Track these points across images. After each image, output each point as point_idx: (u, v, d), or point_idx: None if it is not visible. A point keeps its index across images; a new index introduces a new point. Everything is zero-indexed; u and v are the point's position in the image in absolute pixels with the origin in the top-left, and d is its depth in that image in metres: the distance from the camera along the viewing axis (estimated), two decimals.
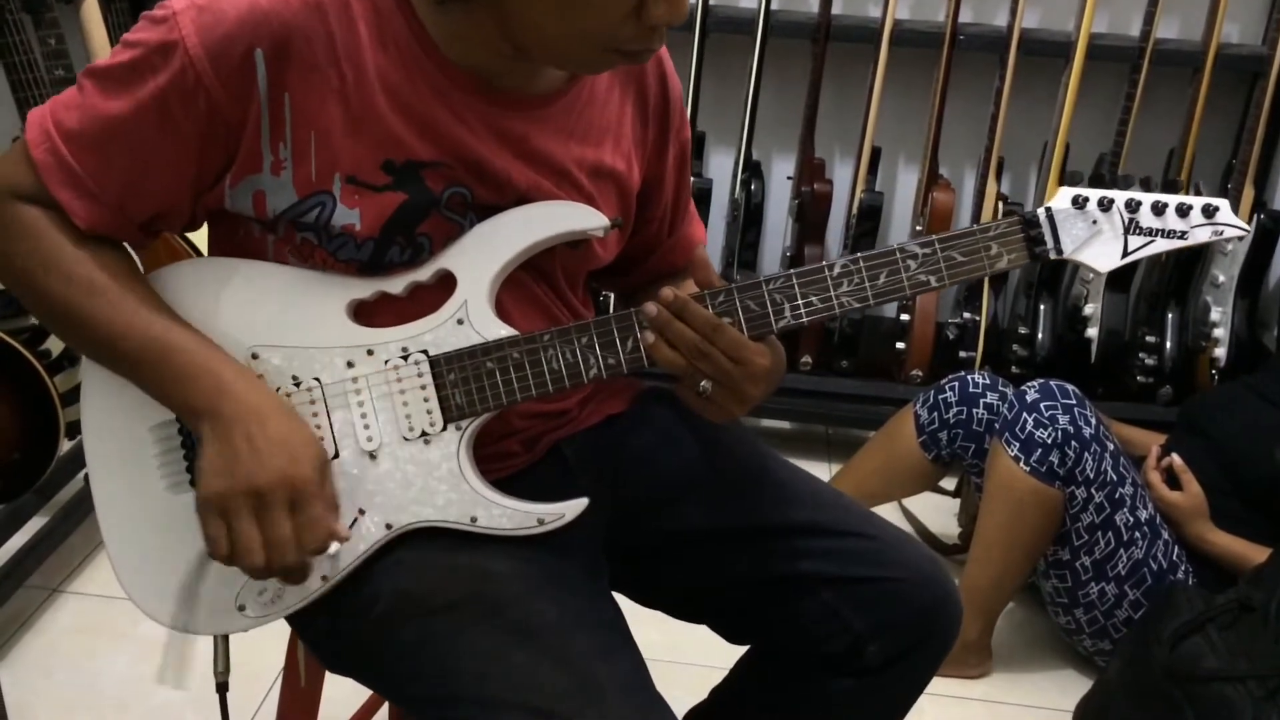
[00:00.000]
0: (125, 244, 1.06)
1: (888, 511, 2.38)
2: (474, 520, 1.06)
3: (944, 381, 2.19)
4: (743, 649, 1.30)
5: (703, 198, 2.60)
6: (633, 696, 1.00)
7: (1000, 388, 2.14)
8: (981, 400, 2.13)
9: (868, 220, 2.56)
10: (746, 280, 1.05)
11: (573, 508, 1.07)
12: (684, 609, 1.25)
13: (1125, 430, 2.26)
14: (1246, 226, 1.06)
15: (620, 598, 1.21)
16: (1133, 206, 1.06)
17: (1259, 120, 2.45)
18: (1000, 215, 2.51)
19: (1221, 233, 1.06)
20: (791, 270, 1.05)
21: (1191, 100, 2.48)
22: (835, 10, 2.52)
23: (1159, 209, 1.06)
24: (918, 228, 2.59)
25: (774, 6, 2.52)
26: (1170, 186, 2.54)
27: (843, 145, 2.70)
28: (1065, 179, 2.55)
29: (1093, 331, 2.54)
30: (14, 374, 1.91)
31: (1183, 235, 1.06)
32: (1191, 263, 2.53)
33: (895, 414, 2.27)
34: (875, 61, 2.49)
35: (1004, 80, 2.47)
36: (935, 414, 2.17)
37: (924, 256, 1.05)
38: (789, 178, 2.67)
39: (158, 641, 1.94)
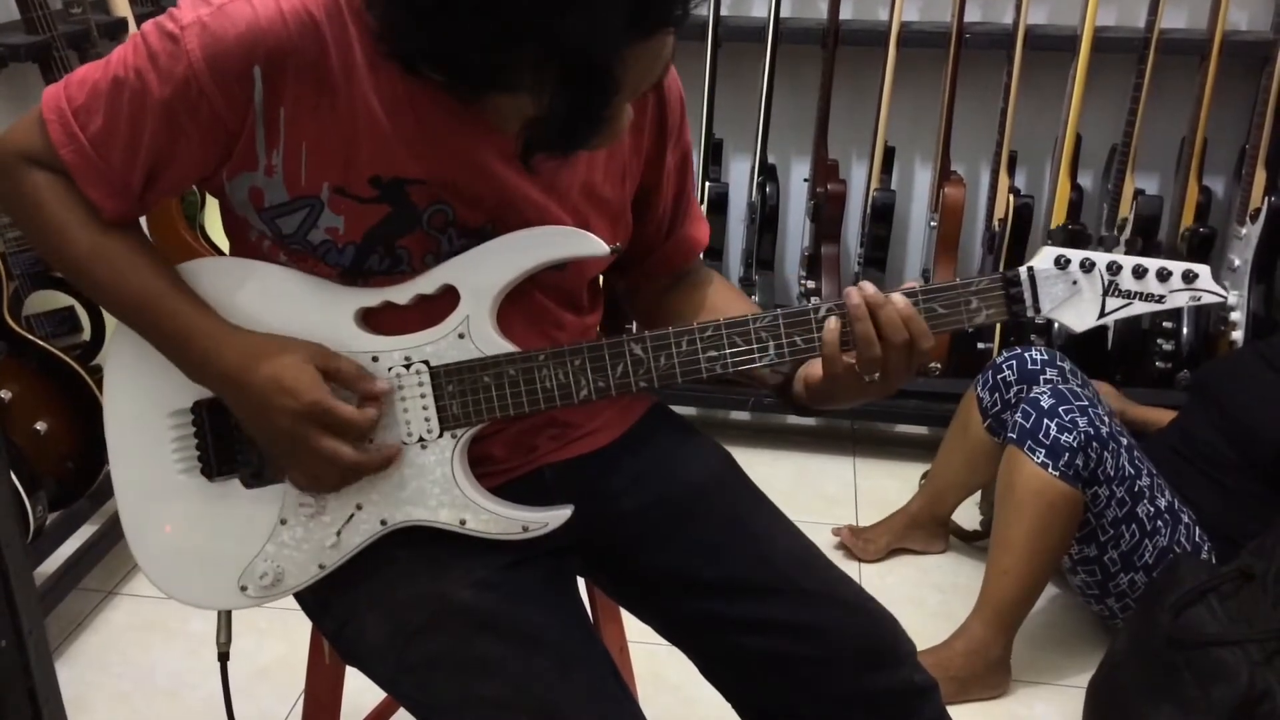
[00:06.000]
0: None
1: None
2: (463, 523, 1.12)
3: (1000, 360, 2.19)
4: None
5: (720, 202, 2.68)
6: (591, 705, 1.08)
7: (1059, 363, 2.14)
8: (1041, 377, 2.13)
9: (881, 218, 2.62)
10: (733, 319, 1.09)
11: (556, 516, 1.12)
12: (662, 632, 1.29)
13: (1139, 410, 2.29)
14: (1224, 293, 1.07)
15: None
16: (1114, 269, 1.08)
17: (1268, 105, 2.48)
18: (1012, 209, 2.56)
19: (1199, 299, 1.07)
20: (779, 310, 1.10)
21: (1199, 88, 2.51)
22: (844, 15, 2.58)
23: (1139, 272, 1.07)
24: (931, 224, 2.64)
25: (784, 14, 2.59)
26: (1181, 178, 2.57)
27: (857, 146, 2.76)
28: (1074, 185, 2.59)
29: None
30: (68, 389, 2.03)
31: (1160, 299, 1.08)
32: (1206, 248, 2.55)
33: (962, 401, 2.28)
34: (884, 63, 2.55)
35: (1011, 76, 2.52)
36: (996, 395, 2.18)
37: None
38: (805, 180, 2.74)
39: (206, 636, 2.06)
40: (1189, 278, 1.07)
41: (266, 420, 1.07)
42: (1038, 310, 1.09)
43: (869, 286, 1.07)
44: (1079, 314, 1.09)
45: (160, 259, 1.12)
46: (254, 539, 1.15)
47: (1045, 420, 1.92)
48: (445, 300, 1.11)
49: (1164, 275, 1.07)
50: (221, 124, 1.04)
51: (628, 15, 0.89)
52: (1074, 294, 1.09)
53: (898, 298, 1.07)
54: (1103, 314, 1.09)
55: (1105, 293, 1.08)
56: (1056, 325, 2.56)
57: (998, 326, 2.59)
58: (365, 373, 1.10)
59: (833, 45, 2.57)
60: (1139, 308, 1.08)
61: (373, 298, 1.12)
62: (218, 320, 1.10)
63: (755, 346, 1.10)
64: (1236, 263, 2.55)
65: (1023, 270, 1.09)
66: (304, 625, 1.28)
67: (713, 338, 1.09)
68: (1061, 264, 1.08)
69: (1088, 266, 1.08)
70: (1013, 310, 1.08)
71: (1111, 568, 1.96)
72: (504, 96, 0.98)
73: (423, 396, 1.11)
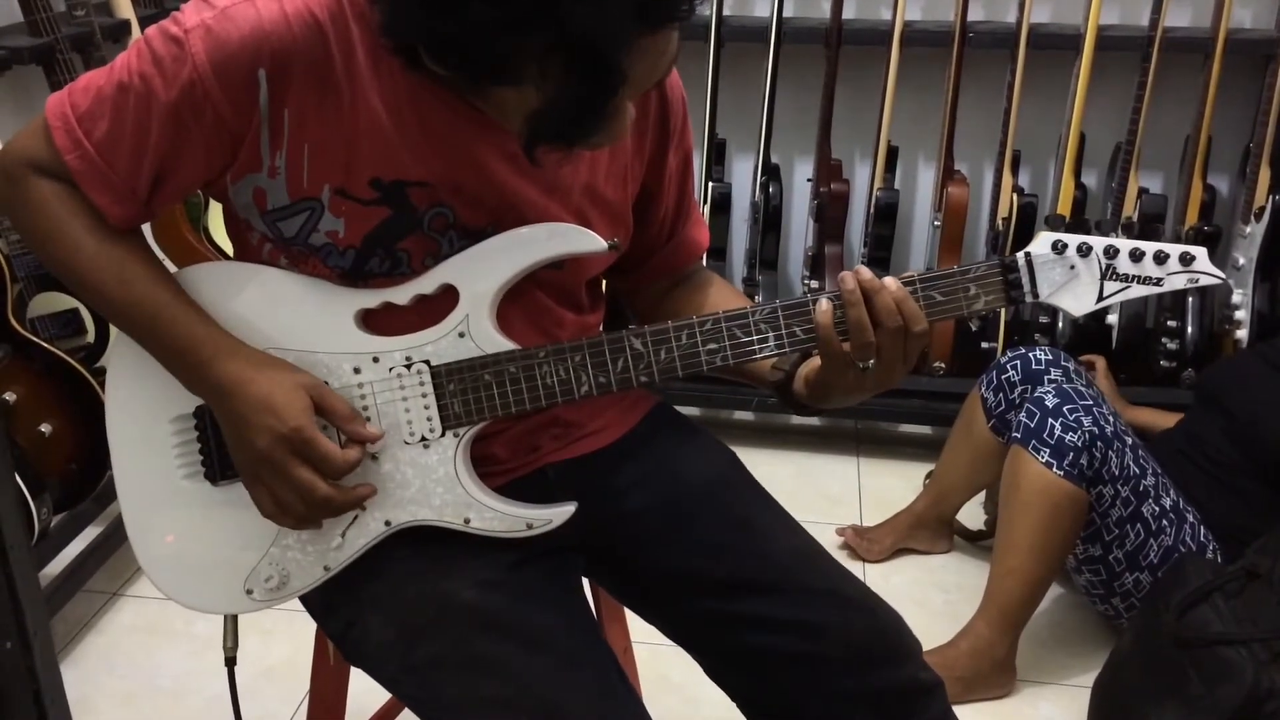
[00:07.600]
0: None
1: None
2: (467, 521, 1.12)
3: (1005, 360, 2.19)
4: None
5: (723, 201, 2.68)
6: (594, 705, 1.08)
7: (1063, 362, 2.14)
8: (1045, 377, 2.12)
9: (885, 218, 2.62)
10: (732, 312, 1.09)
11: (560, 514, 1.12)
12: (666, 632, 1.29)
13: (1140, 414, 2.29)
14: (1222, 274, 1.08)
15: None
16: (1110, 253, 1.08)
17: (1272, 103, 2.47)
18: (1016, 208, 2.55)
19: (1197, 280, 1.07)
20: (778, 302, 1.09)
21: (1203, 86, 2.51)
22: (847, 14, 2.57)
23: (1136, 256, 1.07)
24: (935, 223, 2.64)
25: (786, 13, 2.59)
26: (1185, 176, 2.57)
27: (860, 145, 2.76)
28: (1078, 183, 2.58)
29: (1113, 318, 2.57)
30: (72, 391, 2.03)
31: (1158, 282, 1.07)
32: (1210, 247, 2.54)
33: (966, 400, 2.28)
34: (888, 62, 2.55)
35: (1015, 75, 2.52)
36: (1000, 395, 2.17)
37: None
38: (808, 179, 2.74)
39: (210, 638, 2.06)
40: (1186, 260, 1.07)
41: (247, 437, 1.06)
42: (1036, 295, 1.08)
43: (865, 271, 1.06)
44: (1077, 298, 1.09)
45: (164, 270, 1.12)
46: (258, 542, 1.15)
47: (1050, 420, 1.92)
48: (445, 299, 1.11)
49: (1161, 258, 1.07)
50: (226, 127, 1.04)
51: (635, 6, 0.90)
52: (1072, 278, 1.08)
53: (891, 282, 1.06)
54: (1101, 298, 1.09)
55: (1103, 276, 1.08)
56: (1060, 325, 2.58)
57: (1002, 327, 2.59)
58: (358, 415, 1.10)
59: (836, 45, 2.57)
60: (1137, 290, 1.08)
61: (372, 298, 1.12)
62: (220, 331, 1.10)
63: (755, 338, 1.09)
64: (1241, 261, 2.54)
65: (1020, 255, 1.08)
66: (309, 626, 1.29)
67: (712, 331, 1.09)
68: (1059, 248, 1.08)
69: (1085, 250, 1.08)
70: (1011, 296, 1.08)
71: (1116, 567, 1.96)
72: (508, 90, 0.98)
73: (424, 396, 1.11)
